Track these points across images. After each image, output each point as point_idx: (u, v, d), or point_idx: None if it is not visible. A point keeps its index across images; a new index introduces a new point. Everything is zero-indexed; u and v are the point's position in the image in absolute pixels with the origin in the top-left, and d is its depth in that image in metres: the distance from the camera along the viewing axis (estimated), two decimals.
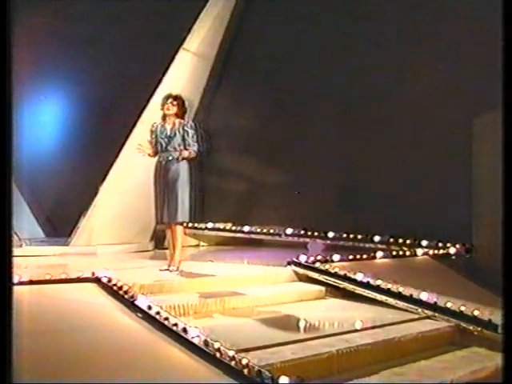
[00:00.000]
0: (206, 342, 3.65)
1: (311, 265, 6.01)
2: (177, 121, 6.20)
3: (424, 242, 7.09)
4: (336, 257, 6.18)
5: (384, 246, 7.23)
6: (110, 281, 4.81)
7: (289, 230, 8.22)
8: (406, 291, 5.21)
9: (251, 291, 5.51)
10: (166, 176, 6.09)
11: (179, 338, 3.80)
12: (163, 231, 7.08)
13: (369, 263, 6.33)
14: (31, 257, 6.82)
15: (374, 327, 4.63)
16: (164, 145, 6.14)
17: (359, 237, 7.57)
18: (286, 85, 8.79)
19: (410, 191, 7.54)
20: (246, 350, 3.69)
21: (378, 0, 8.19)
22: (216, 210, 8.84)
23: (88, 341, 3.71)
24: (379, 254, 6.59)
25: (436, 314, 4.95)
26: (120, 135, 8.23)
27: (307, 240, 8.04)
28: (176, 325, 3.93)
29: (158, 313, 4.16)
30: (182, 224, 6.17)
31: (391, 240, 7.32)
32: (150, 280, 5.40)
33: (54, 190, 9.39)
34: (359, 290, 5.49)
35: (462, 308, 4.81)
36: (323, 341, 4.15)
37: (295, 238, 8.17)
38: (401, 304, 5.18)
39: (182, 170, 6.07)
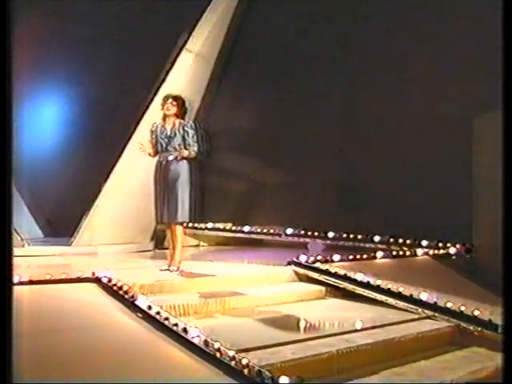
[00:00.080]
0: (206, 342, 3.65)
1: (311, 265, 6.01)
2: (177, 121, 6.20)
3: (424, 242, 7.09)
4: (336, 257, 6.18)
5: (384, 246, 7.22)
6: (110, 281, 4.81)
7: (289, 230, 8.21)
8: (406, 291, 5.21)
9: (251, 291, 5.51)
10: (166, 176, 6.09)
11: (179, 338, 3.80)
12: (163, 231, 7.10)
13: (369, 263, 6.32)
14: (32, 257, 6.83)
15: (374, 327, 4.63)
16: (164, 145, 6.15)
17: (359, 237, 7.56)
18: (286, 85, 8.79)
19: (410, 191, 7.54)
20: (246, 350, 3.69)
21: (379, 0, 8.20)
22: (216, 210, 8.83)
23: (88, 341, 3.71)
24: (379, 254, 6.58)
25: (436, 314, 4.95)
26: (120, 135, 8.23)
27: (307, 240, 8.04)
28: (176, 325, 3.93)
29: (158, 313, 4.16)
30: (181, 224, 6.17)
31: (391, 240, 7.31)
32: (151, 280, 5.40)
33: (54, 190, 9.38)
34: (359, 290, 5.49)
35: (462, 308, 4.81)
36: (323, 341, 4.15)
37: (295, 238, 8.17)
38: (401, 304, 5.18)
39: (182, 170, 6.08)
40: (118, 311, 4.37)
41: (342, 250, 7.02)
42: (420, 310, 5.05)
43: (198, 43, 8.79)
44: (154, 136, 6.24)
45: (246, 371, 3.34)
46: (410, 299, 5.14)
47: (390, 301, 5.24)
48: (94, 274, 4.99)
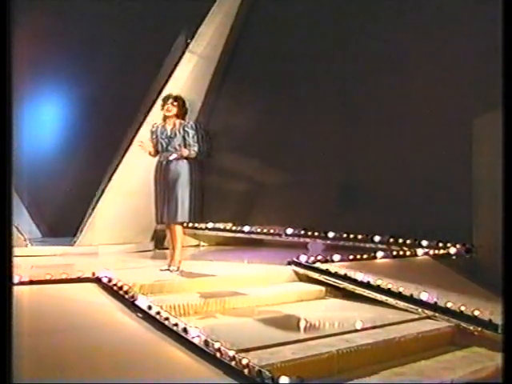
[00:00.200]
0: (206, 342, 3.66)
1: (311, 265, 6.01)
2: (177, 121, 6.20)
3: (424, 242, 7.08)
4: (336, 257, 6.18)
5: (384, 246, 7.21)
6: (110, 281, 4.82)
7: (289, 230, 8.21)
8: (406, 291, 5.21)
9: (251, 291, 5.51)
10: (167, 176, 6.09)
11: (179, 338, 3.81)
12: (163, 231, 7.10)
13: (369, 263, 6.32)
14: (33, 257, 6.82)
15: (374, 327, 4.63)
16: (164, 145, 6.15)
17: (359, 237, 7.56)
18: (286, 85, 8.79)
19: (410, 191, 7.54)
20: (247, 350, 3.69)
21: (379, 0, 8.20)
22: (216, 210, 8.83)
23: (88, 341, 3.71)
24: (379, 253, 6.58)
25: (436, 314, 4.94)
26: (120, 136, 8.23)
27: (307, 240, 8.04)
28: (176, 325, 3.93)
29: (158, 313, 4.16)
30: (181, 224, 6.18)
31: (391, 240, 7.30)
32: (151, 280, 5.40)
33: (54, 190, 9.39)
34: (359, 290, 5.49)
35: (462, 308, 4.81)
36: (323, 341, 4.15)
37: (295, 238, 8.16)
38: (401, 304, 5.17)
39: (183, 170, 6.08)
40: (118, 311, 4.37)
41: (342, 249, 7.01)
42: (420, 310, 5.05)
43: (201, 45, 8.81)
44: (154, 136, 6.24)
45: (246, 371, 3.35)
46: (410, 299, 5.14)
47: (390, 301, 5.24)
48: (94, 274, 4.99)
